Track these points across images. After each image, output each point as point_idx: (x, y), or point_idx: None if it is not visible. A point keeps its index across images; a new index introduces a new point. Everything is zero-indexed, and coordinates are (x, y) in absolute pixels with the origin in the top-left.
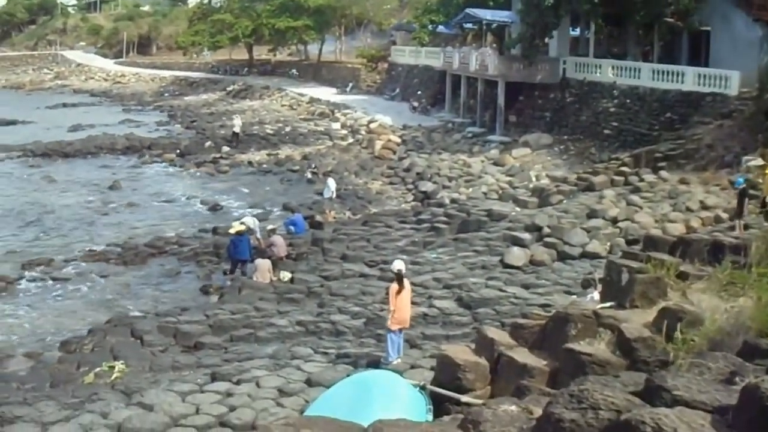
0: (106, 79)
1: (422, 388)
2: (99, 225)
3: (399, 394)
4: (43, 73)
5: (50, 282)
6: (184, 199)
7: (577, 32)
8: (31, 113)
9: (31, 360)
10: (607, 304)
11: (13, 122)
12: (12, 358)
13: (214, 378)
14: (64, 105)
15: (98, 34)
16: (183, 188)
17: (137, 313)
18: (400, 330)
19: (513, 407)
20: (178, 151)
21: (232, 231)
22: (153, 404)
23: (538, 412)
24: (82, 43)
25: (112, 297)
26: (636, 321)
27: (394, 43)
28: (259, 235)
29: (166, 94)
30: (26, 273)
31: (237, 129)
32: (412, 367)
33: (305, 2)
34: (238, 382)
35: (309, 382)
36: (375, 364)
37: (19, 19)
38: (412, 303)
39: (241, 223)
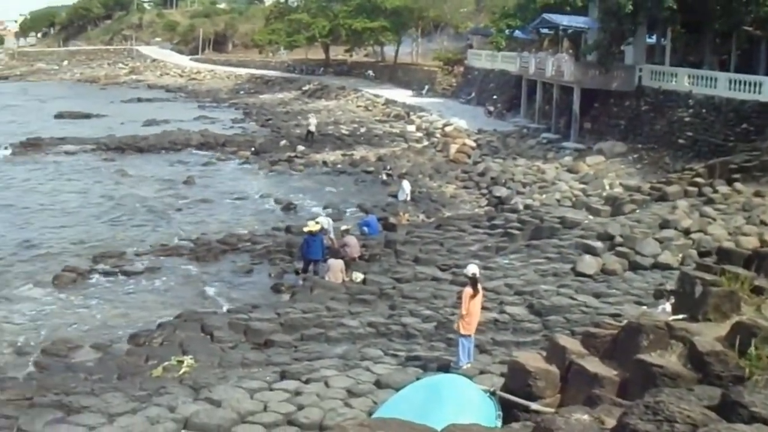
0: (181, 76)
1: (492, 393)
2: (172, 220)
3: (469, 399)
4: (118, 68)
5: (121, 275)
6: (258, 196)
7: (653, 40)
8: (105, 107)
9: (99, 351)
10: (680, 317)
11: (87, 116)
12: (80, 348)
13: (283, 376)
14: (139, 100)
15: (174, 30)
16: (257, 186)
17: (208, 309)
18: (471, 335)
19: (585, 416)
20: (253, 148)
21: (306, 230)
22: (221, 400)
23: (609, 422)
24: (158, 39)
25: (183, 292)
26: (709, 334)
27: (470, 46)
28: (332, 235)
29: (242, 92)
30: (98, 266)
31: (312, 128)
32: (482, 372)
33: (382, 3)
34: (307, 381)
35: (378, 384)
36: (445, 368)
37: (95, 14)
38: (484, 308)
39: (316, 223)
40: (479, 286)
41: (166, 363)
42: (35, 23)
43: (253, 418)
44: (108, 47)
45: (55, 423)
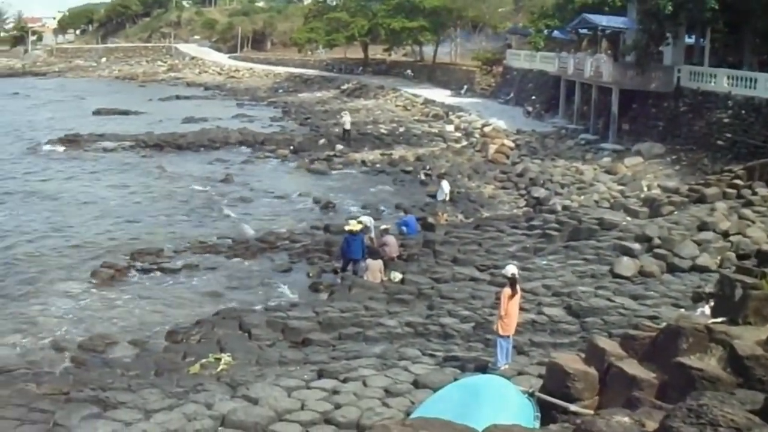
0: (219, 73)
1: (531, 395)
2: (210, 218)
3: (508, 400)
4: (156, 65)
5: (159, 272)
6: (297, 195)
7: (692, 40)
8: (143, 104)
9: (137, 348)
10: (719, 320)
11: (125, 112)
12: (117, 344)
13: (320, 375)
14: (177, 97)
15: (213, 28)
16: (296, 185)
17: (246, 307)
18: (509, 335)
19: (626, 419)
20: (291, 147)
21: (347, 229)
22: (258, 398)
23: (650, 425)
24: (197, 37)
25: (221, 289)
26: (749, 338)
27: (509, 46)
28: (372, 235)
29: (280, 90)
30: (136, 262)
31: (347, 126)
32: (520, 373)
33: (421, 3)
34: (344, 380)
35: (416, 384)
36: (483, 368)
37: (134, 11)
38: (521, 309)
39: (358, 222)
40: (518, 287)
41: (204, 360)
42: (73, 20)
43: (291, 416)
44: (146, 45)
45: (91, 418)
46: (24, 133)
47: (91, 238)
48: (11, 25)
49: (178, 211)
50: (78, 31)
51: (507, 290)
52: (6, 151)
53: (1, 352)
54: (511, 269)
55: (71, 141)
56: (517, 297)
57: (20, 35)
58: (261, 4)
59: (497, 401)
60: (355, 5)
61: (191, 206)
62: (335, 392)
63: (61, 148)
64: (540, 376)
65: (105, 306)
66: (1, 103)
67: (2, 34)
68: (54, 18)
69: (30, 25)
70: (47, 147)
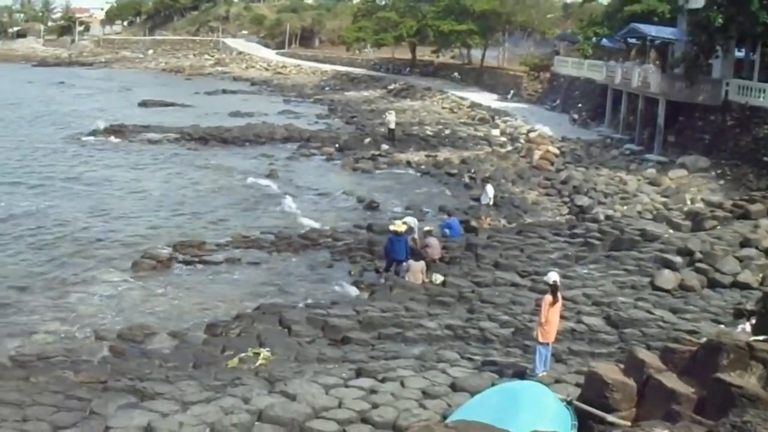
0: (267, 69)
1: (569, 403)
2: (253, 212)
3: (546, 407)
4: (203, 59)
5: (200, 265)
6: (341, 193)
7: (741, 54)
8: (189, 98)
9: (176, 339)
10: (761, 338)
11: (171, 105)
12: (156, 335)
13: (359, 374)
14: (224, 91)
15: (261, 23)
16: (340, 183)
17: (287, 303)
18: (549, 343)
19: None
20: (337, 145)
21: (392, 229)
22: (296, 394)
23: None
24: (245, 32)
25: (262, 284)
26: None
27: (556, 52)
28: (416, 236)
29: (327, 88)
30: (177, 254)
31: (392, 125)
32: (557, 381)
33: (470, 6)
34: (382, 380)
35: (453, 387)
36: (521, 374)
37: (182, 4)
38: (561, 317)
39: (403, 223)
40: (559, 295)
41: (243, 354)
42: (121, 11)
43: (328, 413)
44: (194, 38)
45: (127, 408)
46: (69, 122)
47: (134, 229)
48: (58, 15)
49: (221, 204)
50: (125, 23)
51: (548, 297)
52: (51, 140)
53: (40, 340)
54: (553, 276)
55: (116, 131)
56: (558, 305)
57: (67, 25)
58: (310, 1)
59: (536, 408)
60: (404, 5)
61: (235, 200)
62: (373, 392)
63: (106, 138)
64: (578, 385)
65: (145, 297)
66: (47, 93)
67: (49, 24)
68: (101, 9)
69: (77, 15)
70: (92, 137)
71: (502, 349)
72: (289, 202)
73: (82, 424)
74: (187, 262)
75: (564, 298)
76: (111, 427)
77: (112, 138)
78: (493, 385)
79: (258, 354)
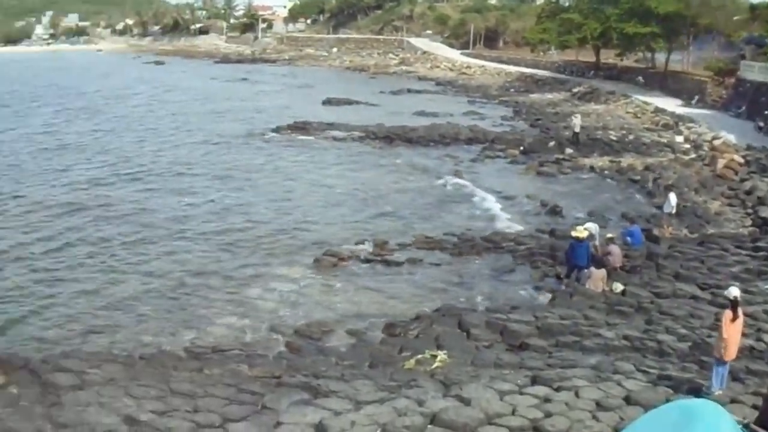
0: (451, 69)
1: (745, 426)
2: (437, 213)
3: (722, 429)
4: (388, 58)
5: (382, 264)
6: (524, 196)
7: None
8: (374, 96)
9: (353, 337)
10: None
11: (355, 103)
12: (334, 333)
13: (534, 381)
14: (408, 91)
15: (445, 23)
16: (523, 186)
17: (467, 306)
18: (727, 361)
19: None
20: (521, 148)
21: (574, 234)
22: (471, 399)
23: None
24: (428, 32)
25: (442, 286)
26: None
27: (743, 56)
28: (597, 243)
29: (511, 90)
30: (359, 252)
31: (577, 129)
32: (733, 401)
33: (655, 9)
34: (557, 389)
35: (627, 400)
36: (696, 391)
37: (366, 3)
38: (741, 334)
39: (585, 229)
40: (739, 311)
41: (420, 356)
42: (304, 9)
43: (500, 420)
44: (378, 37)
45: (300, 404)
46: (253, 118)
47: (316, 226)
48: (241, 13)
49: (405, 204)
50: (308, 21)
51: (728, 313)
52: (234, 135)
53: (217, 332)
54: (734, 291)
55: (300, 128)
56: (739, 321)
57: (250, 23)
58: (494, 1)
59: (711, 429)
60: (587, 7)
61: (419, 201)
62: (547, 400)
63: (290, 135)
64: (755, 406)
65: (325, 293)
66: (231, 89)
67: (231, 21)
68: (284, 7)
69: (260, 13)
70: (275, 133)
71: (678, 364)
72: (472, 205)
73: (253, 418)
74: (368, 261)
75: (744, 314)
76: (282, 422)
77: (297, 135)
78: (667, 400)
79: (435, 356)
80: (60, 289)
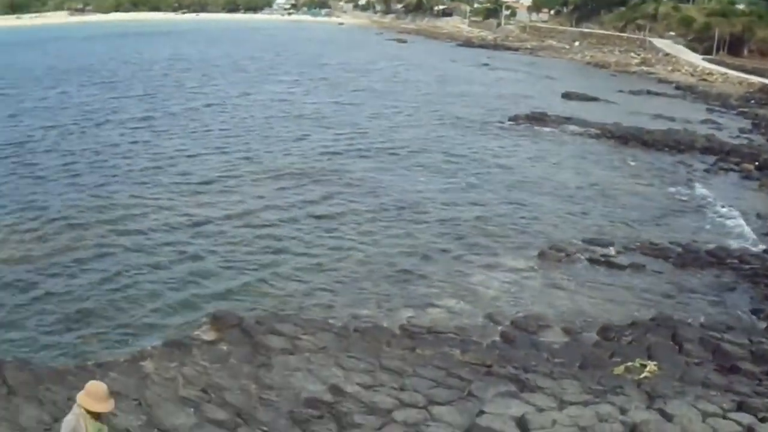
0: (692, 75)
1: None
2: (664, 220)
3: None
4: (629, 57)
5: (605, 265)
6: (754, 214)
7: None
8: (612, 94)
9: (568, 336)
10: None
11: (594, 99)
12: (549, 328)
13: (740, 407)
14: (648, 92)
15: (689, 26)
16: (755, 203)
17: (682, 318)
18: None
19: None
20: (756, 163)
21: None
22: (673, 415)
23: None
24: (671, 33)
25: (661, 295)
26: None
27: None
28: None
29: (752, 101)
30: (585, 251)
31: None
32: None
33: None
34: (762, 420)
35: None
36: None
37: None
38: None
39: None
40: None
41: (630, 363)
42: (549, 0)
43: None
44: (621, 34)
45: (506, 396)
46: (490, 103)
47: (544, 219)
48: None
49: (635, 207)
50: (552, 11)
51: None
52: (471, 120)
53: (434, 314)
54: None
55: (537, 119)
56: None
57: (493, 8)
58: (741, 6)
59: None
60: None
61: (649, 205)
62: (750, 429)
63: (527, 125)
64: None
65: (545, 288)
66: (471, 72)
67: (475, 5)
68: None
69: (504, 0)
70: (512, 122)
71: None
72: (701, 216)
73: (457, 404)
74: (592, 260)
75: None
76: (486, 411)
77: (533, 125)
78: None
79: (644, 366)
80: (284, 257)
